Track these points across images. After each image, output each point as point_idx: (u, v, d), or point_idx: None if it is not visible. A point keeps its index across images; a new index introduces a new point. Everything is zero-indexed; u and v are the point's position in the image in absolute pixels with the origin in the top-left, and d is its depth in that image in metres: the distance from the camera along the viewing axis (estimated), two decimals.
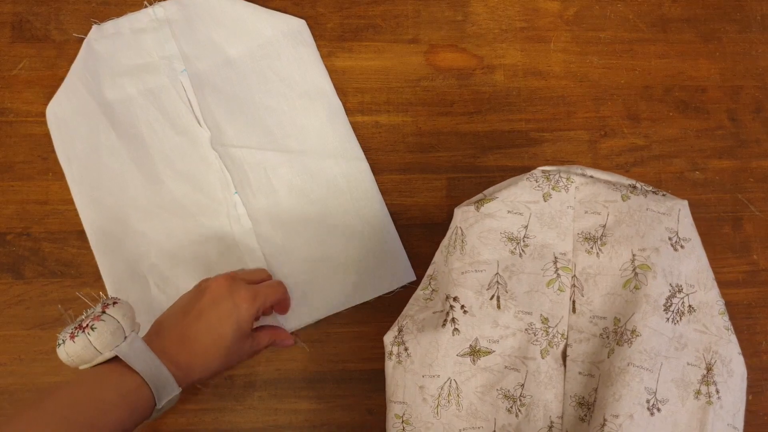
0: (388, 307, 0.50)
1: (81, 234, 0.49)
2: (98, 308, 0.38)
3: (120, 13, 0.53)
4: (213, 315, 0.41)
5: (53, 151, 0.50)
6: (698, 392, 0.38)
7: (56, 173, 0.50)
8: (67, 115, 0.50)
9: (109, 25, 0.51)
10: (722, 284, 0.51)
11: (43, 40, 0.52)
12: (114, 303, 0.39)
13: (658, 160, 0.53)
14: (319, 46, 0.53)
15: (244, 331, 0.42)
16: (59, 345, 0.37)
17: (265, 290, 0.44)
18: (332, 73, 0.53)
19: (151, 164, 0.49)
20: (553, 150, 0.53)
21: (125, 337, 0.38)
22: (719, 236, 0.53)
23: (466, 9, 0.55)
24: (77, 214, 0.49)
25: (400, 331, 0.41)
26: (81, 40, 0.52)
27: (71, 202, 0.50)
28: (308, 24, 0.53)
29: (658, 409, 0.37)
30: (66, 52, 0.52)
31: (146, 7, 0.52)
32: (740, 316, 0.51)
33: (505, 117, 0.53)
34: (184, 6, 0.52)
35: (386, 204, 0.51)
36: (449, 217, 0.51)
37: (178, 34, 0.51)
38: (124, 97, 0.50)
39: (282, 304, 0.48)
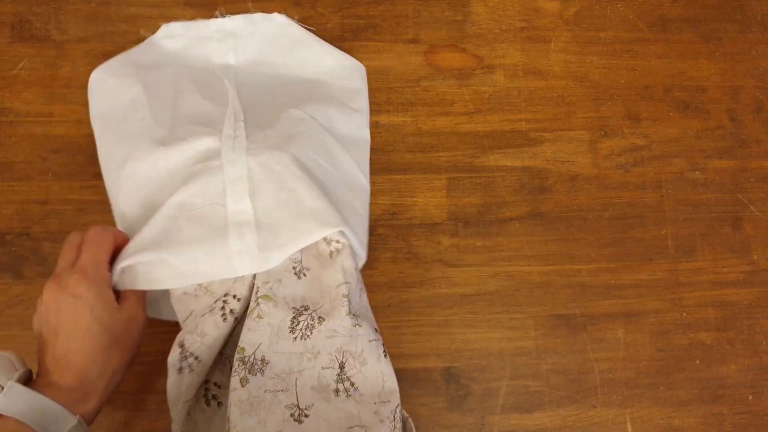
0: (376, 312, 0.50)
1: None
2: None
3: (120, 13, 0.53)
4: (64, 322, 0.38)
5: (53, 151, 0.50)
6: (337, 390, 0.41)
7: (56, 173, 0.50)
8: (109, 84, 0.49)
9: (178, 26, 0.51)
10: (722, 284, 0.52)
11: (43, 40, 0.52)
12: None
13: (659, 160, 0.53)
14: None
15: (104, 310, 0.39)
16: None
17: (86, 256, 0.40)
18: None
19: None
20: (553, 150, 0.53)
21: (1, 388, 0.36)
22: (719, 236, 0.53)
23: (466, 9, 0.55)
24: (77, 214, 0.49)
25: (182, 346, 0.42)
26: (89, 46, 0.52)
27: (71, 202, 0.50)
28: (308, 24, 0.53)
29: (306, 415, 0.40)
30: (66, 52, 0.52)
31: (217, 17, 0.52)
32: (740, 317, 0.51)
33: (505, 117, 0.53)
34: (253, 23, 0.51)
35: (386, 204, 0.51)
36: (449, 217, 0.51)
37: (240, 49, 0.51)
38: (166, 77, 0.50)
39: (119, 243, 0.43)
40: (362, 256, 0.47)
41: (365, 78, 0.52)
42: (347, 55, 0.52)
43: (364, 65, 0.53)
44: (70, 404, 0.37)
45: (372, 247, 0.50)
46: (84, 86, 0.51)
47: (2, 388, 0.36)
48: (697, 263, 0.52)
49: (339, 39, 0.54)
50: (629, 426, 0.49)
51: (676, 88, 0.55)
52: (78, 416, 0.37)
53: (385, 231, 0.51)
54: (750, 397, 0.50)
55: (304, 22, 0.53)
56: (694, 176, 0.54)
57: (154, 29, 0.52)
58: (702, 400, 0.50)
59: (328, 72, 0.52)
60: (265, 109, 0.49)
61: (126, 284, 0.42)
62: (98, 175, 0.49)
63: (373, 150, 0.52)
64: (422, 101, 0.53)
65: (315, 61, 0.52)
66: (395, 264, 0.50)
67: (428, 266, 0.50)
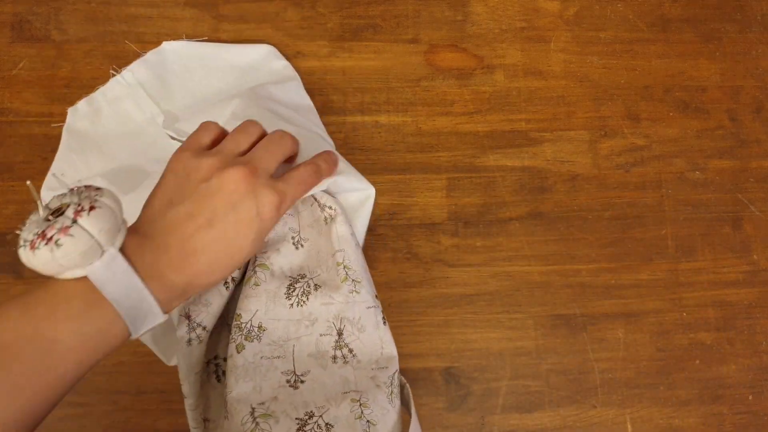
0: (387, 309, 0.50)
1: None
2: (69, 212, 0.29)
3: (120, 13, 0.53)
4: (230, 224, 0.33)
5: (53, 151, 0.50)
6: (334, 357, 0.41)
7: None
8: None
9: (83, 104, 0.51)
10: (722, 284, 0.52)
11: (43, 40, 0.52)
12: (91, 208, 0.29)
13: (659, 160, 0.53)
14: (319, 46, 0.53)
15: (262, 240, 0.35)
16: (21, 246, 0.29)
17: (293, 189, 0.36)
18: (332, 73, 0.53)
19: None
20: (553, 150, 0.53)
21: (102, 252, 0.29)
22: (719, 236, 0.53)
23: (466, 9, 0.55)
24: None
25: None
26: (89, 46, 0.52)
27: None
28: (308, 24, 0.53)
29: (302, 381, 0.40)
30: (66, 52, 0.52)
31: (113, 75, 0.51)
32: (740, 317, 0.51)
33: (505, 117, 0.53)
34: (152, 64, 0.51)
35: (386, 204, 0.51)
36: (449, 217, 0.51)
37: (153, 94, 0.51)
38: (113, 163, 0.50)
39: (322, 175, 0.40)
40: (365, 186, 0.45)
41: (279, 54, 0.53)
42: (254, 45, 0.52)
43: (365, 65, 0.53)
44: (164, 301, 0.31)
45: (372, 247, 0.50)
46: (84, 86, 0.51)
47: (101, 249, 0.29)
48: (697, 263, 0.52)
49: (339, 39, 0.54)
50: (629, 426, 0.49)
51: (676, 88, 0.55)
52: (167, 316, 0.32)
53: (385, 231, 0.51)
54: (750, 397, 0.50)
55: (303, 22, 0.54)
56: (694, 176, 0.54)
57: (153, 29, 0.52)
58: (702, 400, 0.50)
59: (247, 64, 0.52)
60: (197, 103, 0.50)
61: None
62: (97, 175, 0.48)
63: (373, 150, 0.52)
64: (422, 101, 0.53)
65: (231, 62, 0.52)
66: (395, 264, 0.50)
67: (428, 266, 0.50)
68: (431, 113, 0.53)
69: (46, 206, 0.30)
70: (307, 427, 0.37)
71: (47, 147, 0.50)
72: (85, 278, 0.29)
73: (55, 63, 0.52)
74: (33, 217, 0.30)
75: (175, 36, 0.52)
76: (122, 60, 0.52)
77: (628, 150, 0.54)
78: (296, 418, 0.37)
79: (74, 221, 0.29)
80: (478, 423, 0.48)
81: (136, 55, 0.52)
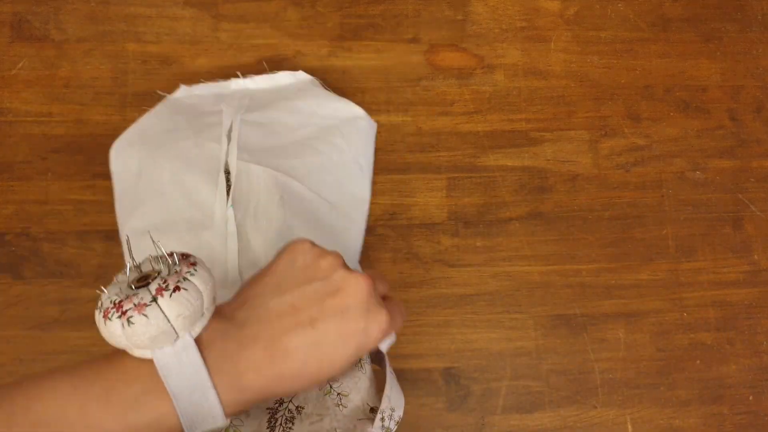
0: None
1: (80, 234, 0.49)
2: (153, 287, 0.27)
3: (119, 12, 0.53)
4: (333, 330, 0.29)
5: (53, 151, 0.50)
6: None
7: (55, 173, 0.50)
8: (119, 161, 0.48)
9: (198, 88, 0.50)
10: (722, 284, 0.52)
11: (43, 39, 0.52)
12: (176, 289, 0.27)
13: (659, 159, 0.53)
14: (318, 46, 0.53)
15: (354, 361, 0.31)
16: (97, 308, 0.28)
17: (398, 318, 0.33)
18: (332, 73, 0.53)
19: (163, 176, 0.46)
20: (553, 150, 0.53)
21: (177, 338, 0.27)
22: (720, 236, 0.52)
23: (466, 8, 0.55)
24: (76, 214, 0.49)
25: None
26: (89, 45, 0.52)
27: (70, 202, 0.50)
28: (308, 23, 0.53)
29: None
30: (65, 51, 0.52)
31: (238, 77, 0.50)
32: (741, 317, 0.51)
33: (506, 117, 0.53)
34: (275, 80, 0.50)
35: (386, 204, 0.51)
36: (449, 217, 0.51)
37: (250, 105, 0.49)
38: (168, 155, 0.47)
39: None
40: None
41: (374, 133, 0.51)
42: (351, 104, 0.50)
43: (365, 65, 0.53)
44: (233, 403, 0.28)
45: (372, 247, 0.50)
46: (83, 86, 0.51)
47: (176, 333, 0.27)
48: (698, 263, 0.52)
49: (339, 38, 0.53)
50: (630, 426, 0.49)
51: (677, 88, 0.55)
52: (229, 420, 0.29)
53: (385, 231, 0.51)
54: (750, 398, 0.50)
55: (303, 21, 0.53)
56: (694, 176, 0.53)
57: (153, 29, 0.52)
58: (702, 400, 0.50)
59: (336, 116, 0.50)
60: (270, 135, 0.47)
61: None
62: (97, 175, 0.49)
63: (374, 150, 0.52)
64: (422, 101, 0.53)
65: (324, 106, 0.50)
66: (395, 264, 0.50)
67: (428, 266, 0.50)
68: (431, 113, 0.53)
69: (137, 267, 0.29)
70: (278, 414, 0.35)
71: (47, 147, 0.50)
72: (152, 361, 0.27)
73: (54, 63, 0.52)
74: (120, 277, 0.29)
75: (175, 35, 0.52)
76: (121, 60, 0.52)
77: (628, 150, 0.53)
78: (267, 408, 0.35)
79: (154, 299, 0.27)
80: (478, 423, 0.48)
81: (136, 55, 0.52)
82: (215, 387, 0.27)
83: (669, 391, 0.50)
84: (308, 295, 0.30)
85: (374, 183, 0.51)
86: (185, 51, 0.53)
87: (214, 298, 0.29)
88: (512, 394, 0.49)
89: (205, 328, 0.28)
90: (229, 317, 0.29)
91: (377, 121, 0.52)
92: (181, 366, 0.27)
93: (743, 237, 0.53)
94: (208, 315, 0.28)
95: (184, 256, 0.29)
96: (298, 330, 0.29)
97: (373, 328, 0.30)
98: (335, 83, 0.53)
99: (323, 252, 0.32)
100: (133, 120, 0.49)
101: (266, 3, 0.53)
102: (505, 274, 0.50)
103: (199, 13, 0.53)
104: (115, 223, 0.48)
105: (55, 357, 0.47)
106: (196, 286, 0.28)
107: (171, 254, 0.29)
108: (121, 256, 0.48)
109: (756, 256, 0.52)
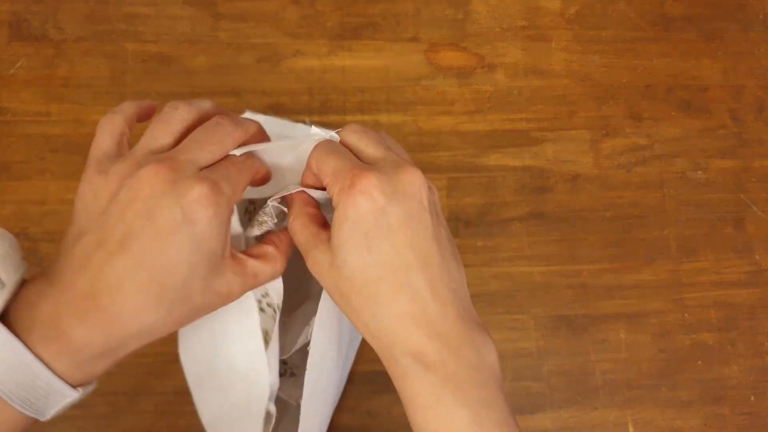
0: None
1: None
2: None
3: (118, 12, 0.52)
4: (148, 240, 0.24)
5: (51, 151, 0.50)
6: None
7: (54, 173, 0.50)
8: None
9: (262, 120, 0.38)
10: (724, 285, 0.51)
11: (41, 39, 0.52)
12: None
13: (660, 159, 0.53)
14: (318, 45, 0.53)
15: (211, 254, 0.26)
16: None
17: (231, 174, 0.27)
18: (332, 72, 0.53)
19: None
20: (554, 149, 0.53)
21: None
22: (721, 236, 0.52)
23: (466, 7, 0.55)
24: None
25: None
26: (87, 45, 0.51)
27: (69, 202, 0.49)
28: (307, 23, 0.53)
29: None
30: (64, 51, 0.52)
31: (306, 123, 0.41)
32: (742, 317, 0.51)
33: (506, 116, 0.53)
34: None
35: None
36: (450, 217, 0.51)
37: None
38: None
39: (261, 178, 0.30)
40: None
41: None
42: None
43: (364, 64, 0.53)
44: (75, 368, 0.24)
45: None
46: (82, 86, 0.51)
47: None
48: (699, 264, 0.52)
49: (338, 38, 0.53)
50: (631, 427, 0.49)
51: (678, 88, 0.55)
52: (80, 390, 0.25)
53: None
54: (752, 398, 0.50)
55: (303, 20, 0.53)
56: (696, 176, 0.53)
57: (152, 28, 0.52)
58: (704, 401, 0.49)
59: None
60: None
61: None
62: None
63: None
64: (422, 100, 0.53)
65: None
66: None
67: None
68: (431, 112, 0.53)
69: None
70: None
71: (45, 147, 0.50)
72: None
73: (53, 62, 0.52)
74: None
75: (174, 35, 0.52)
76: (120, 59, 0.52)
77: (629, 149, 0.53)
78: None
79: None
80: None
81: (135, 55, 0.52)
82: (41, 358, 0.23)
83: (670, 391, 0.49)
84: (106, 221, 0.25)
85: None
86: (184, 50, 0.52)
87: (18, 267, 0.25)
88: (513, 395, 0.48)
89: (16, 300, 0.24)
90: (44, 280, 0.25)
91: (377, 120, 0.52)
92: None
93: (745, 237, 0.52)
94: (10, 286, 0.24)
95: None
96: (111, 261, 0.24)
97: (192, 208, 0.24)
98: (335, 83, 0.52)
99: (105, 168, 0.27)
100: None
101: (266, 2, 0.53)
102: (506, 274, 0.50)
103: (199, 12, 0.53)
104: None
105: None
106: None
107: None
108: None
109: (758, 257, 0.52)
